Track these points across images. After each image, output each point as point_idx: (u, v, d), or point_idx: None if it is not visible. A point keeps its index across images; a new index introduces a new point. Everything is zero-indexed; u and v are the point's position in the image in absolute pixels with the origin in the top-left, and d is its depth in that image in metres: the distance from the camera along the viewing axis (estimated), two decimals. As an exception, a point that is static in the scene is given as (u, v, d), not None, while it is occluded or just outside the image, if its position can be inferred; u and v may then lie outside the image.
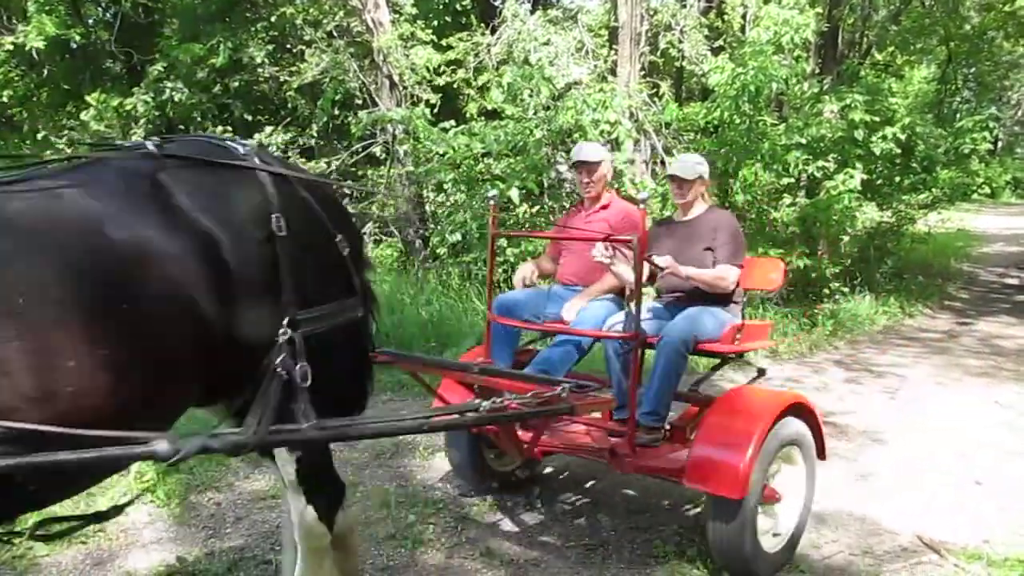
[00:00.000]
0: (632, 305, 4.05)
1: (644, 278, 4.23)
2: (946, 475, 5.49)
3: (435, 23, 12.47)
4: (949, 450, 6.00)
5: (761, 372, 4.87)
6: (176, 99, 12.16)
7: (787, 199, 11.04)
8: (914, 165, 12.15)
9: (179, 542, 4.27)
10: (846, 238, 11.92)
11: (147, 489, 4.74)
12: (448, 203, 9.78)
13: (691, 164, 4.63)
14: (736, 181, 10.17)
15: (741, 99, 9.57)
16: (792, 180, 10.60)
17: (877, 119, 10.48)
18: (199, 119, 12.68)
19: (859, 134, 10.17)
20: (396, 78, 11.21)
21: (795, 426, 4.04)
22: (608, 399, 3.63)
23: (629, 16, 10.76)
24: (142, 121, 12.25)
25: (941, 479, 5.42)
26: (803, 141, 9.94)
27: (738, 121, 10.06)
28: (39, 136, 13.20)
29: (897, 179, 12.30)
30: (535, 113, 9.62)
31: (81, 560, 4.02)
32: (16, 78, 13.39)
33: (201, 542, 4.27)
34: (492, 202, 4.57)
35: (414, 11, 12.12)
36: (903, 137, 10.69)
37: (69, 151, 12.58)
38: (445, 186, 9.79)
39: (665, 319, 4.34)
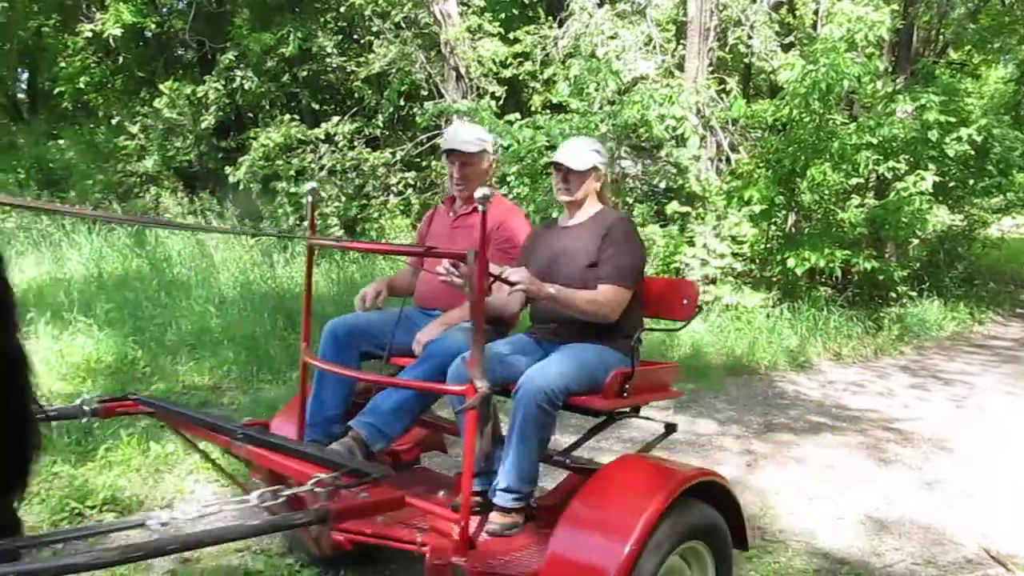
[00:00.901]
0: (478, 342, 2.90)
1: (519, 303, 3.49)
2: (1015, 486, 5.34)
3: (502, 16, 12.47)
4: (1018, 460, 5.84)
5: (669, 430, 3.59)
6: (246, 87, 12.37)
7: (855, 200, 10.83)
8: (989, 168, 11.81)
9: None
10: (915, 241, 11.68)
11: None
12: (511, 196, 9.78)
13: (582, 150, 3.52)
14: (803, 180, 10.01)
15: (811, 96, 9.39)
16: (861, 180, 10.39)
17: (952, 120, 10.22)
18: (267, 107, 12.88)
19: (933, 135, 9.92)
20: (462, 70, 11.25)
21: (700, 513, 2.94)
22: (395, 497, 2.68)
23: (698, 11, 10.63)
24: (212, 108, 12.50)
25: (1010, 490, 5.27)
26: (874, 141, 9.72)
27: (807, 119, 9.88)
28: (113, 122, 13.53)
29: (971, 182, 12.00)
30: (600, 107, 9.58)
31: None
32: (93, 65, 13.74)
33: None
34: (310, 199, 3.38)
35: (482, 3, 12.14)
36: (979, 139, 10.41)
37: (141, 136, 12.89)
38: (508, 179, 9.80)
39: (533, 357, 3.28)
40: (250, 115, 13.34)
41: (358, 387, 3.59)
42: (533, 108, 11.06)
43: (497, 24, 11.93)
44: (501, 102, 10.80)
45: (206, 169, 13.37)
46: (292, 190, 11.12)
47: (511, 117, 9.88)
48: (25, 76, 17.13)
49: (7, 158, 14.80)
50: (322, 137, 11.63)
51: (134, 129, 12.98)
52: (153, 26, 13.23)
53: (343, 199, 11.47)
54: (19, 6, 12.93)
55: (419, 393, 3.30)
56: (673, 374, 3.66)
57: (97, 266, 8.98)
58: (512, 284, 3.11)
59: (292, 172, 11.39)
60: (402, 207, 11.84)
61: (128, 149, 13.11)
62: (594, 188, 3.56)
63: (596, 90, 9.50)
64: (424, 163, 12.37)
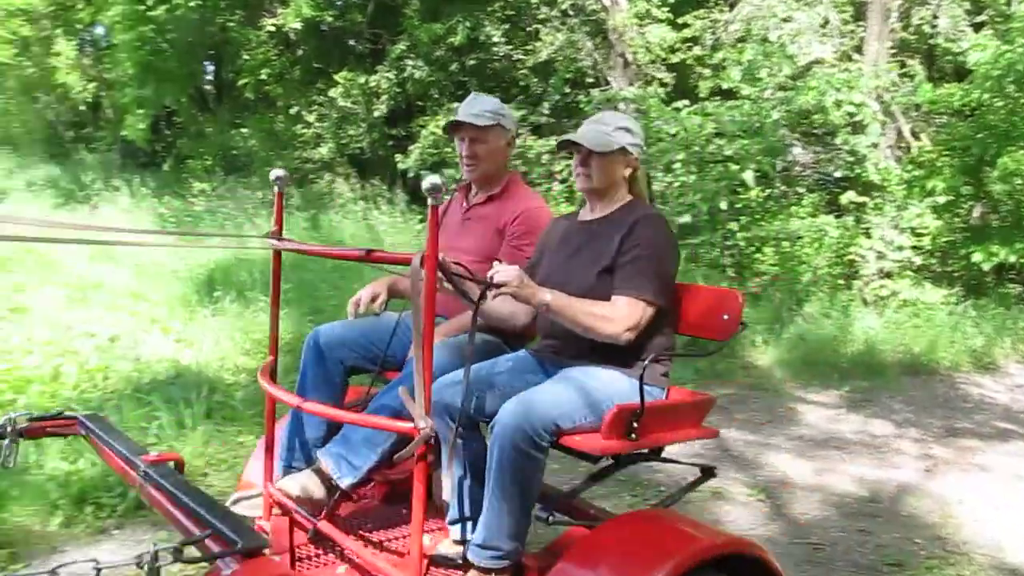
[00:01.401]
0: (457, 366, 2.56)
1: (528, 312, 2.84)
2: None
3: (671, 0, 12.27)
4: None
5: (705, 475, 2.89)
6: (416, 77, 12.68)
7: (1052, 190, 10.06)
8: None
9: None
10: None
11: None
12: (677, 184, 9.61)
13: (608, 127, 2.79)
14: (994, 170, 9.38)
15: (1005, 80, 8.78)
16: (1060, 169, 9.64)
17: None
18: (436, 96, 13.16)
19: None
20: (629, 56, 11.13)
21: None
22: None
23: (880, -10, 10.13)
24: (384, 97, 12.88)
25: None
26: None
27: (1000, 104, 9.25)
28: (292, 111, 14.16)
29: None
30: (772, 93, 9.28)
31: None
32: (273, 58, 14.41)
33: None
34: (277, 188, 2.84)
35: (650, -12, 11.99)
36: None
37: (317, 125, 13.43)
38: (674, 166, 9.63)
39: (530, 381, 2.67)
40: (419, 103, 13.66)
41: (348, 404, 3.08)
42: (701, 94, 10.83)
43: (666, 9, 11.73)
44: (669, 89, 10.62)
45: (377, 156, 13.81)
46: (459, 177, 11.32)
47: (679, 104, 9.70)
48: (212, 69, 18.12)
49: (196, 146, 15.77)
50: (488, 125, 11.74)
51: (311, 118, 13.56)
52: (330, 19, 13.73)
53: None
54: (209, 3, 13.69)
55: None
56: (706, 408, 2.85)
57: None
58: (499, 287, 2.43)
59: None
60: (566, 195, 11.85)
61: (305, 137, 13.72)
62: (622, 175, 2.83)
63: (769, 75, 9.19)
64: (588, 151, 12.33)
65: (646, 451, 2.67)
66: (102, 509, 3.83)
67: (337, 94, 13.13)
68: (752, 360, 7.53)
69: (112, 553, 3.48)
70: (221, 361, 5.81)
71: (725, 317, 2.80)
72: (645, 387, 2.55)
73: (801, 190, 10.44)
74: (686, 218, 9.16)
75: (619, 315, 2.58)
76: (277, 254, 2.86)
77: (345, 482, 2.66)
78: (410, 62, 12.78)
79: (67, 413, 2.63)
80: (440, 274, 2.36)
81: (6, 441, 2.43)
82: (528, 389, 2.53)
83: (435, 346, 2.64)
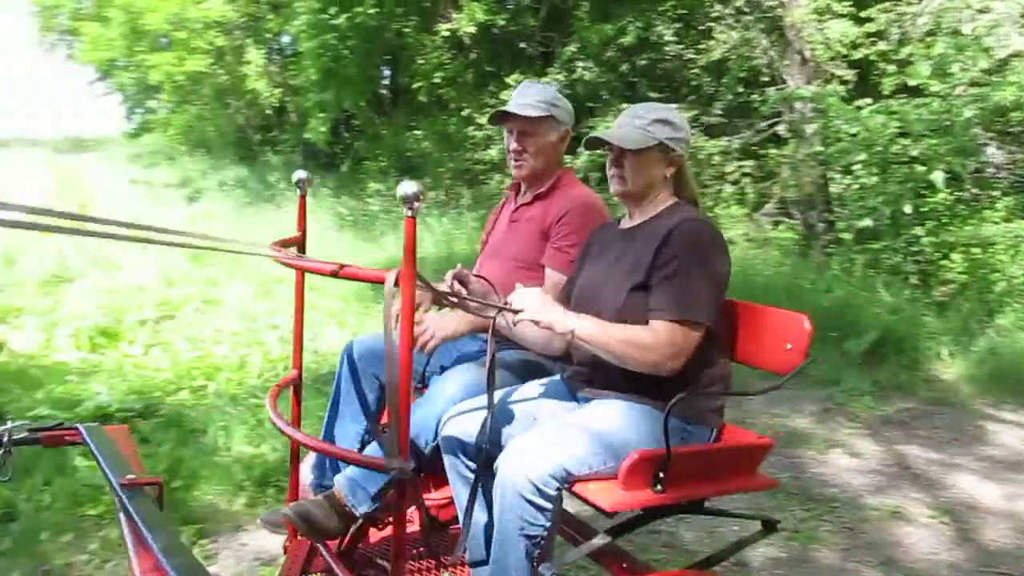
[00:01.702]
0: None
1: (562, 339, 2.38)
2: None
3: (854, -6, 11.74)
4: None
5: (767, 529, 2.49)
6: (586, 78, 12.67)
7: None
8: None
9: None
10: None
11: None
12: (856, 186, 9.17)
13: (638, 121, 2.43)
14: None
15: None
16: None
17: None
18: (606, 96, 13.11)
19: None
20: (808, 53, 10.72)
21: None
22: None
23: (1091, -24, 9.31)
24: (554, 99, 12.94)
25: None
26: None
27: None
28: (463, 114, 14.45)
29: None
30: (964, 89, 8.70)
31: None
32: (447, 61, 14.75)
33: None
34: (299, 191, 2.76)
35: (831, -18, 11.50)
36: None
37: (487, 127, 13.64)
38: (854, 168, 9.19)
39: (559, 410, 2.43)
40: (588, 105, 13.65)
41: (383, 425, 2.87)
42: (884, 92, 10.28)
43: (848, 3, 11.22)
44: (850, 87, 10.15)
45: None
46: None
47: (860, 102, 9.25)
48: (388, 74, 18.73)
49: (372, 148, 16.35)
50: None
51: (482, 120, 13.80)
52: (502, 23, 13.92)
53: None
54: (387, 10, 14.16)
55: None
56: (760, 455, 2.40)
57: (448, 247, 9.64)
58: (515, 313, 2.21)
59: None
60: (738, 196, 11.55)
61: (476, 139, 13.97)
62: (663, 175, 2.46)
63: (962, 70, 8.62)
64: (762, 151, 11.98)
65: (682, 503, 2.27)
66: (282, 492, 4.01)
67: (508, 97, 13.29)
68: (936, 373, 7.09)
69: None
70: (393, 356, 5.96)
71: (788, 347, 2.35)
72: (689, 427, 2.27)
73: (995, 193, 9.74)
74: (866, 222, 8.73)
75: (658, 342, 2.19)
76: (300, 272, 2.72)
77: (360, 510, 2.49)
78: (580, 64, 12.78)
79: (67, 424, 2.43)
80: (456, 290, 2.33)
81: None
82: (540, 426, 2.28)
83: (463, 366, 2.58)
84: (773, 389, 2.31)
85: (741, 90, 11.83)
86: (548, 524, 2.11)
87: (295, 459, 2.79)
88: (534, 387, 2.52)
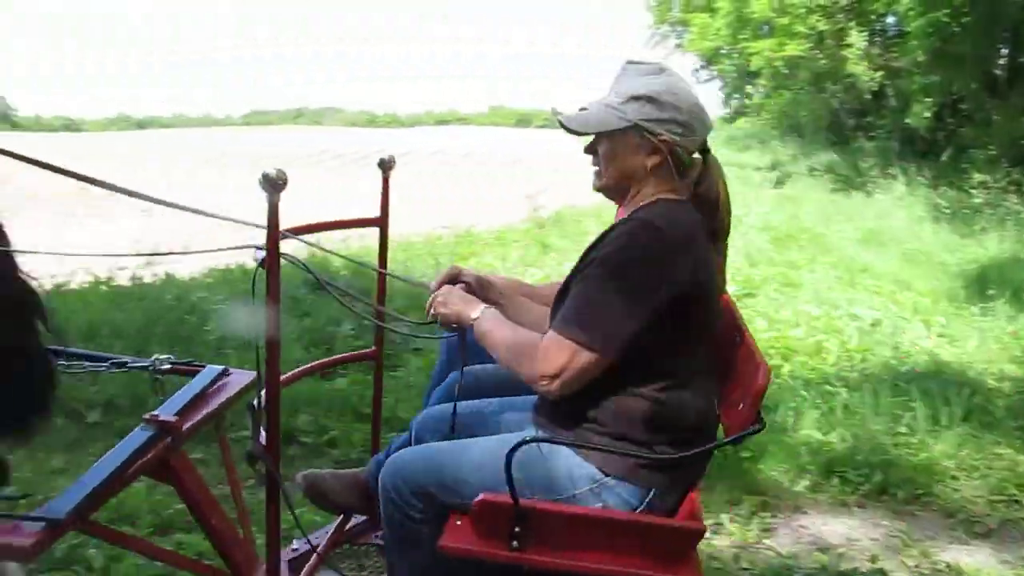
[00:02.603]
0: None
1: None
2: None
3: None
4: None
5: None
6: None
7: None
8: None
9: None
10: None
11: None
12: None
13: (612, 99, 1.94)
14: None
15: None
16: None
17: None
18: None
19: None
20: None
21: None
22: None
23: None
24: None
25: None
26: None
27: None
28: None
29: None
30: None
31: None
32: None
33: None
34: (382, 173, 2.65)
35: None
36: None
37: None
38: None
39: (508, 430, 2.06)
40: None
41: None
42: None
43: None
44: None
45: None
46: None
47: None
48: (1005, 52, 16.94)
49: (980, 134, 14.92)
50: None
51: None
52: None
53: None
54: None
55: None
56: (681, 540, 1.82)
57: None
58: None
59: None
60: None
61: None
62: (643, 165, 1.94)
63: None
64: None
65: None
66: (847, 484, 3.95)
67: None
68: None
69: (851, 529, 3.56)
70: (986, 364, 5.48)
71: (740, 407, 1.86)
72: (605, 481, 1.84)
73: None
74: None
75: (538, 356, 1.82)
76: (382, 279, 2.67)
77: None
78: None
79: (195, 363, 2.49)
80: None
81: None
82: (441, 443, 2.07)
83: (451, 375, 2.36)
84: (701, 451, 1.86)
85: None
86: (427, 555, 1.90)
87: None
88: (493, 404, 2.23)
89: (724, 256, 2.09)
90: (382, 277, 2.71)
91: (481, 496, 1.79)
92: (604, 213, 9.89)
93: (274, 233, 1.92)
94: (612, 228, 1.91)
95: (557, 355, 1.79)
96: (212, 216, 2.29)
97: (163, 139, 40.28)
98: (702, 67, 28.07)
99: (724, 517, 3.57)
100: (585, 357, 1.78)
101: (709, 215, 1.96)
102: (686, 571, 1.77)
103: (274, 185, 1.87)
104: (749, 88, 25.55)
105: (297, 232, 2.27)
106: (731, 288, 7.20)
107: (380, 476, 1.99)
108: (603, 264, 1.83)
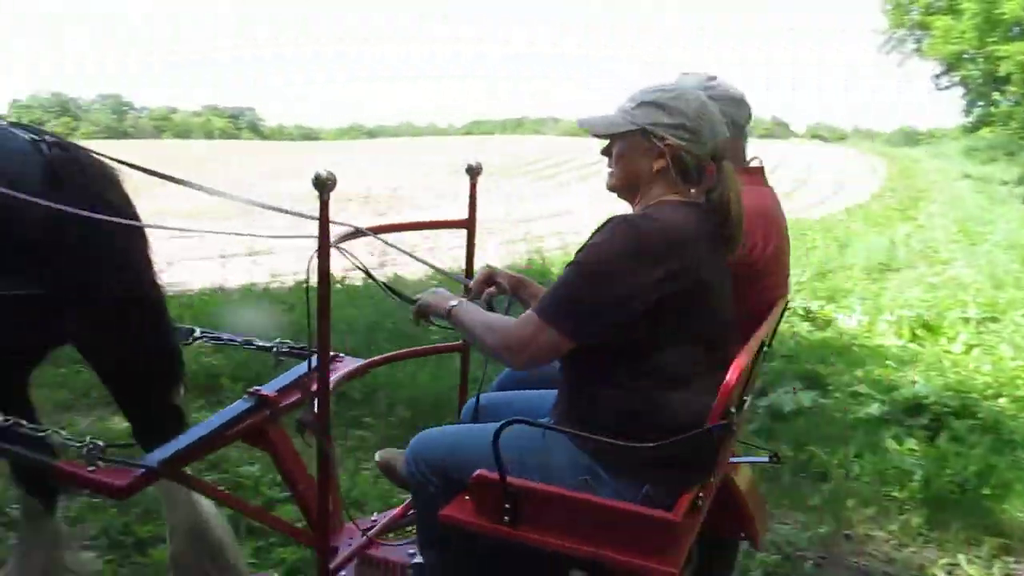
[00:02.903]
0: None
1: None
2: None
3: None
4: None
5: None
6: None
7: None
8: None
9: None
10: None
11: None
12: None
13: (628, 103, 2.05)
14: None
15: None
16: None
17: None
18: None
19: None
20: None
21: None
22: None
23: None
24: None
25: None
26: None
27: None
28: None
29: None
30: None
31: None
32: None
33: None
34: (470, 178, 2.77)
35: None
36: None
37: None
38: None
39: (539, 414, 2.11)
40: None
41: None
42: None
43: None
44: None
45: None
46: None
47: None
48: None
49: None
50: None
51: None
52: None
53: None
54: None
55: None
56: (660, 532, 1.80)
57: None
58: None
59: None
60: None
61: None
62: (650, 168, 2.03)
63: None
64: None
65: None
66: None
67: None
68: None
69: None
70: None
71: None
72: (600, 474, 1.95)
73: None
74: None
75: (509, 327, 1.98)
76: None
77: None
78: None
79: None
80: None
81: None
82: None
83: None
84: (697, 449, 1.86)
85: None
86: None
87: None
88: (529, 397, 2.38)
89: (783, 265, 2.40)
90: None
91: (477, 472, 1.92)
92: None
93: (325, 229, 2.06)
94: (598, 229, 1.99)
95: (524, 330, 1.94)
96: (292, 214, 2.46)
97: (393, 147, 42.35)
98: (942, 73, 26.46)
99: (961, 558, 3.37)
100: (549, 335, 1.91)
101: (721, 222, 2.01)
102: (666, 563, 1.78)
103: (323, 186, 2.00)
104: (996, 95, 23.78)
105: (377, 231, 2.49)
106: (971, 311, 6.78)
107: (407, 451, 2.17)
108: (580, 254, 1.95)
